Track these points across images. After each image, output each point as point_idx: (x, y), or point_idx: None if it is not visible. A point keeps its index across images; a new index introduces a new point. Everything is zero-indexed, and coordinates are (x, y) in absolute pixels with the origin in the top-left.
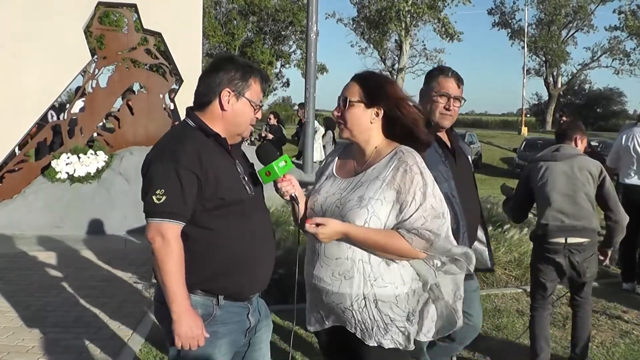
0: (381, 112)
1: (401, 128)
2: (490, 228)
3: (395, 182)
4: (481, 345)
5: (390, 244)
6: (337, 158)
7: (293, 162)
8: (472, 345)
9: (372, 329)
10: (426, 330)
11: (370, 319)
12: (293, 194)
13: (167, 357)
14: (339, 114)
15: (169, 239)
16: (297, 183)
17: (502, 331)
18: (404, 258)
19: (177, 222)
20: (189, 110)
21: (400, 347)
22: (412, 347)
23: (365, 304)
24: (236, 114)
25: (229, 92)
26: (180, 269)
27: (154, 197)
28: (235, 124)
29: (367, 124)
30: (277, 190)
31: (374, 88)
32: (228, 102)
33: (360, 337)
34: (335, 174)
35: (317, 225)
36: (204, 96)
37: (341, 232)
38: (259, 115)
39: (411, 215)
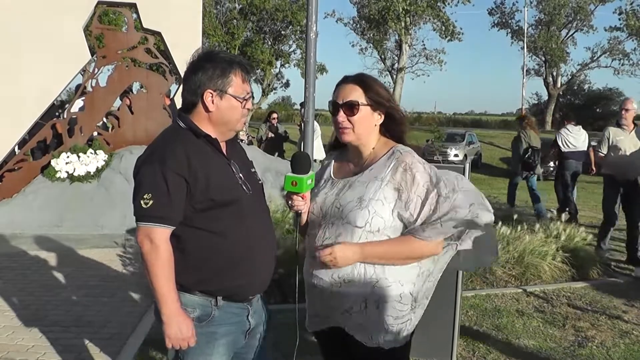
0: (383, 115)
1: (394, 131)
2: None
3: (395, 181)
4: (481, 345)
5: (411, 251)
6: (333, 161)
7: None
8: (472, 346)
9: (372, 331)
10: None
11: (369, 321)
12: (300, 211)
13: (167, 356)
14: (344, 119)
15: (157, 243)
16: (309, 201)
17: (502, 331)
18: (426, 257)
19: (165, 226)
20: (180, 111)
21: (400, 346)
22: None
23: (367, 305)
24: (223, 112)
25: (211, 93)
26: (169, 272)
27: (141, 202)
28: (224, 122)
29: (373, 126)
30: (289, 199)
31: (375, 91)
32: (212, 103)
33: (359, 339)
34: (332, 177)
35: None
36: (188, 100)
37: (356, 251)
38: (249, 105)
39: (419, 214)
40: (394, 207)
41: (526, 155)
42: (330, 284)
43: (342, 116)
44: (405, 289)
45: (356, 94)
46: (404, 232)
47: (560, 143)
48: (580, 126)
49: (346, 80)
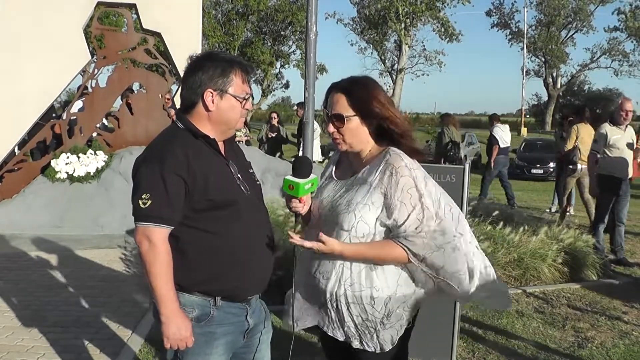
0: (375, 123)
1: (390, 138)
2: (489, 228)
3: (383, 185)
4: (481, 346)
5: (387, 255)
6: (336, 160)
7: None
8: (472, 346)
9: (345, 329)
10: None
11: (342, 319)
12: (297, 213)
13: (166, 356)
14: (335, 130)
15: (155, 242)
16: (310, 203)
17: (502, 332)
18: (403, 263)
19: (163, 225)
20: (178, 112)
21: (372, 350)
22: (386, 348)
23: (337, 305)
24: (223, 112)
25: (212, 93)
26: (167, 271)
27: (140, 202)
28: (224, 122)
29: (366, 134)
30: (288, 200)
31: (364, 102)
32: (212, 102)
33: (332, 334)
34: (333, 176)
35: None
36: (188, 99)
37: (337, 251)
38: (248, 106)
39: (405, 221)
40: (379, 214)
41: (447, 148)
42: (313, 276)
43: (331, 127)
44: (380, 294)
45: (343, 104)
46: (388, 237)
47: (499, 140)
48: (507, 125)
49: (333, 88)
